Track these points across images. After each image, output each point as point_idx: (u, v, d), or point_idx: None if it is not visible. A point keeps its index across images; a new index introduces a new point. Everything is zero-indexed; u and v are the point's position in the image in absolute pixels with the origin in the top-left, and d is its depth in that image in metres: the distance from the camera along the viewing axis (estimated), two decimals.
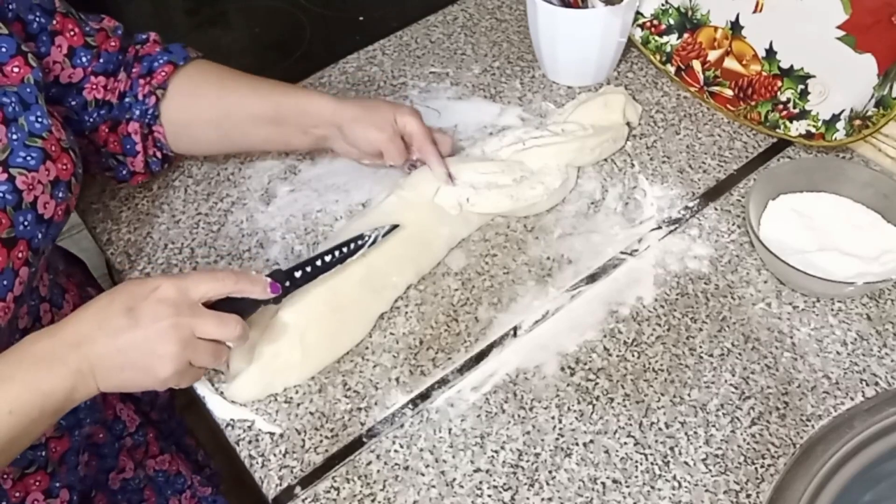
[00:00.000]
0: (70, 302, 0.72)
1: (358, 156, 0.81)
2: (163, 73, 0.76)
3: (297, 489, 0.64)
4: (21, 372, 0.55)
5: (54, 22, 0.69)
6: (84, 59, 0.72)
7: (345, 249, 0.70)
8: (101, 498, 0.74)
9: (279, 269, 0.66)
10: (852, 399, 0.68)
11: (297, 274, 0.67)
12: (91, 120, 0.74)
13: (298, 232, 0.81)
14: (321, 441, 0.67)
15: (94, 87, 0.73)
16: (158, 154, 0.80)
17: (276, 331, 0.68)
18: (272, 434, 0.67)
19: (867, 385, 0.69)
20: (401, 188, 0.78)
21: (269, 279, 0.63)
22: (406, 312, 0.74)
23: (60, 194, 0.62)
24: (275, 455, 0.66)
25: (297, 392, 0.69)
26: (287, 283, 0.66)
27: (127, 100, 0.76)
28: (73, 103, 0.73)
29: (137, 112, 0.76)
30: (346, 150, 0.80)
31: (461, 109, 0.92)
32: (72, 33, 0.71)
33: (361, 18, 1.07)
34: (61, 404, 0.55)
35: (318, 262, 0.69)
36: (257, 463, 0.66)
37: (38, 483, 0.66)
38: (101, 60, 0.73)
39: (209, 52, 0.99)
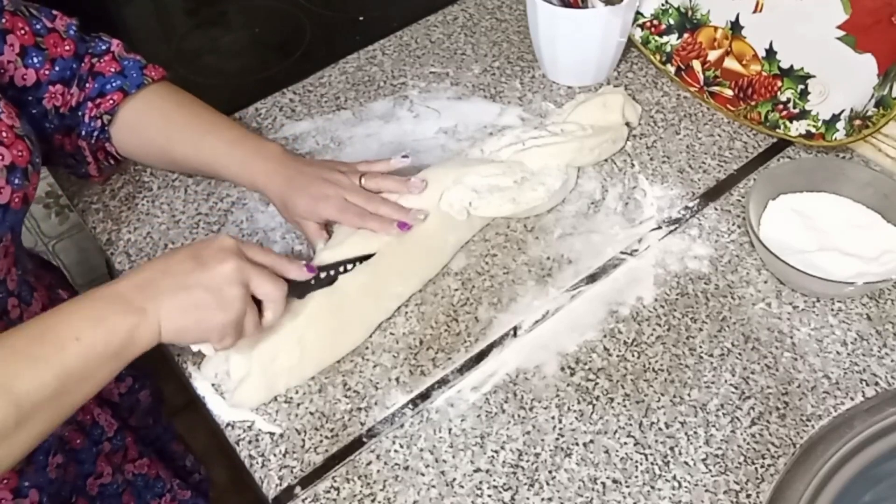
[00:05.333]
0: (39, 301, 0.70)
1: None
2: (111, 101, 0.75)
3: (297, 489, 0.64)
4: (88, 307, 0.56)
5: (3, 20, 0.68)
6: (35, 61, 0.70)
7: (349, 266, 0.72)
8: (81, 502, 0.73)
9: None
10: (852, 399, 0.68)
11: (322, 275, 0.69)
12: (50, 127, 0.74)
13: (298, 232, 0.81)
14: (321, 441, 0.67)
15: (53, 95, 0.72)
16: (112, 160, 0.80)
17: (274, 333, 0.68)
18: (272, 434, 0.67)
19: (867, 385, 0.69)
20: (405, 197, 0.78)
21: (304, 262, 0.67)
22: (406, 312, 0.74)
23: (17, 181, 0.61)
24: (275, 455, 0.66)
25: (297, 392, 0.69)
26: (314, 280, 0.68)
27: (79, 113, 0.75)
28: (34, 112, 0.72)
29: (84, 132, 0.76)
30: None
31: (461, 109, 0.92)
32: (22, 32, 0.69)
33: (361, 18, 1.07)
34: (125, 344, 0.55)
35: (332, 272, 0.71)
36: (257, 463, 0.66)
37: (6, 481, 0.65)
38: (57, 68, 0.72)
39: (209, 53, 0.99)
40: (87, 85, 0.75)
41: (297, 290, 0.67)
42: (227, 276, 0.59)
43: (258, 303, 0.63)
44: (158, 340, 0.58)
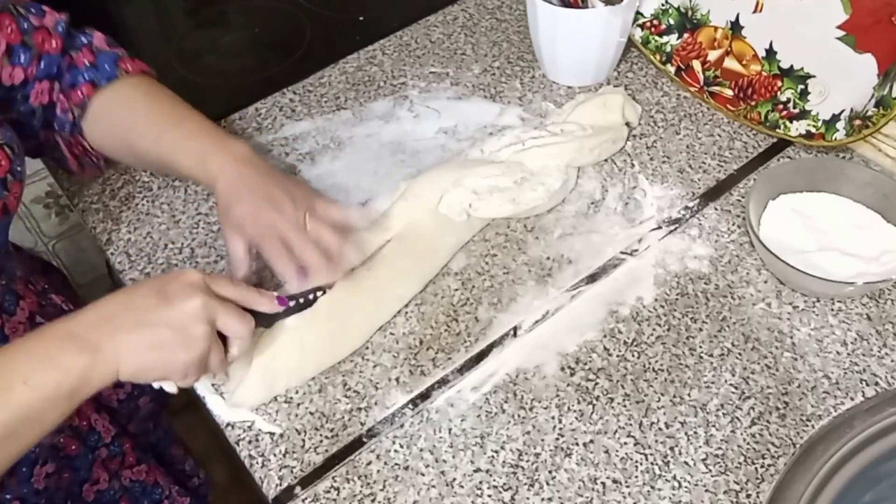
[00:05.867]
0: (25, 309, 0.69)
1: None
2: (80, 94, 0.73)
3: (297, 489, 0.64)
4: (38, 346, 0.54)
5: None
6: (22, 59, 0.69)
7: (319, 293, 0.68)
8: None
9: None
10: (852, 399, 0.68)
11: (291, 304, 0.66)
12: (38, 124, 0.73)
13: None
14: (321, 441, 0.67)
15: (40, 92, 0.71)
16: (92, 157, 0.77)
17: (273, 334, 0.68)
18: (272, 434, 0.67)
19: (867, 385, 0.69)
20: (404, 199, 0.78)
21: (275, 294, 0.64)
22: (406, 312, 0.74)
23: None
24: (275, 455, 0.66)
25: (297, 392, 0.69)
26: (290, 304, 0.66)
27: (55, 107, 0.74)
28: (22, 109, 0.71)
29: (57, 125, 0.74)
30: None
31: (461, 109, 0.92)
32: (9, 30, 0.68)
33: (361, 18, 1.07)
34: (77, 384, 0.53)
35: (302, 300, 0.67)
36: (257, 463, 0.66)
37: None
38: (43, 65, 0.71)
39: (209, 53, 0.99)
40: (65, 77, 0.73)
41: (266, 320, 0.65)
42: (193, 313, 0.56)
43: (224, 337, 0.61)
44: (116, 379, 0.55)
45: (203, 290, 0.58)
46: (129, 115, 0.74)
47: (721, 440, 0.66)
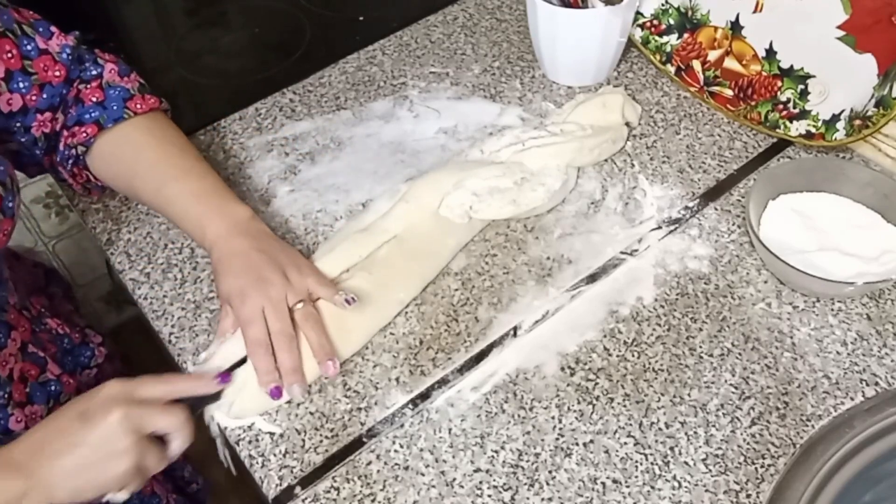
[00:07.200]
0: (17, 340, 0.69)
1: None
2: (84, 134, 0.72)
3: (297, 489, 0.64)
4: None
5: None
6: (21, 85, 0.68)
7: None
8: None
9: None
10: (852, 399, 0.68)
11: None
12: (40, 152, 0.73)
13: (298, 232, 0.81)
14: (321, 441, 0.67)
15: (42, 123, 0.70)
16: (99, 184, 0.77)
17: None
18: (272, 434, 0.67)
19: (867, 385, 0.69)
20: (405, 200, 0.78)
21: (215, 373, 0.64)
22: (406, 312, 0.74)
23: None
24: (275, 455, 0.66)
25: None
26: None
27: (59, 139, 0.74)
28: (24, 140, 0.71)
29: (59, 158, 0.74)
30: None
31: (461, 109, 0.92)
32: (9, 55, 0.67)
33: (361, 18, 1.07)
34: None
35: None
36: (257, 463, 0.66)
37: None
38: (45, 95, 0.70)
39: (209, 53, 0.99)
40: (70, 111, 0.73)
41: (211, 398, 0.65)
42: (114, 428, 0.56)
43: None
44: None
45: (122, 401, 0.57)
46: (132, 159, 0.73)
47: (721, 440, 0.66)
